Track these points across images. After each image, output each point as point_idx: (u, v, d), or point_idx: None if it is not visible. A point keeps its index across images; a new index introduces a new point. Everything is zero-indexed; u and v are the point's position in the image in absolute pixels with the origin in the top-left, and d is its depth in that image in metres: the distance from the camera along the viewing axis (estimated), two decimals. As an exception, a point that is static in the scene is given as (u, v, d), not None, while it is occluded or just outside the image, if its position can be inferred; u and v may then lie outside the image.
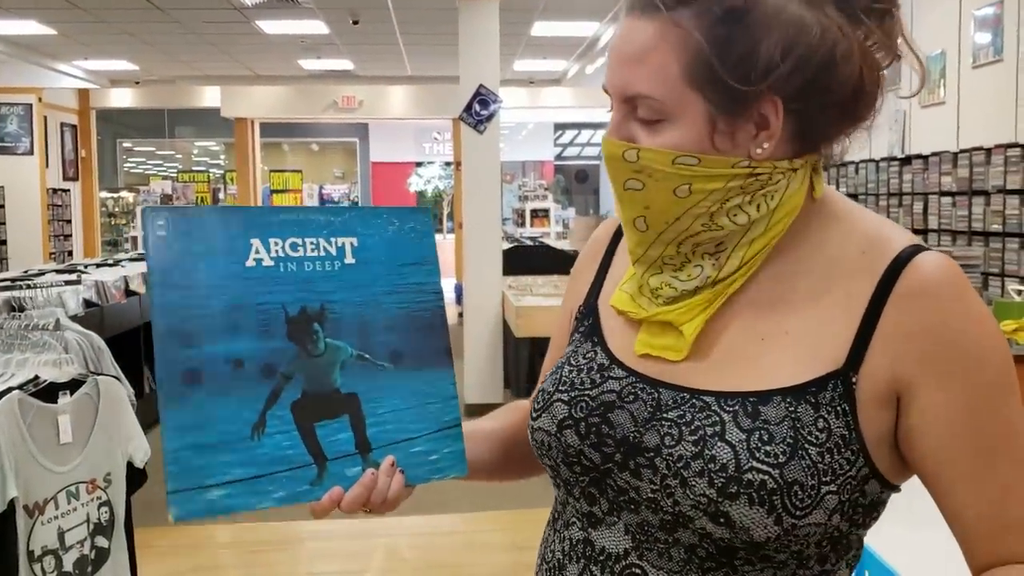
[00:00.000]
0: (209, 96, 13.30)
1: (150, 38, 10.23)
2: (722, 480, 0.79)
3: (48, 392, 2.28)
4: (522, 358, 6.17)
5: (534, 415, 0.92)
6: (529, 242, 9.21)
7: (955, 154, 6.35)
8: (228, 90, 12.73)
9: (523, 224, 12.75)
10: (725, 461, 0.79)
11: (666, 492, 0.82)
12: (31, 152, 12.12)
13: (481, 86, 5.92)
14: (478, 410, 6.51)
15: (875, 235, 0.86)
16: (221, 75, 12.79)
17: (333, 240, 0.91)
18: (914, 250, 0.83)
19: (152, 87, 13.40)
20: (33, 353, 2.38)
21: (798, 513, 0.78)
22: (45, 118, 12.34)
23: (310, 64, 12.00)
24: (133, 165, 20.08)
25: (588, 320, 0.97)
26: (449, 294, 12.29)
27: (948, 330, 0.81)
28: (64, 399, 2.29)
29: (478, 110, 5.87)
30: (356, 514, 0.87)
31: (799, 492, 0.78)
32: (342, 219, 0.92)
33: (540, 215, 12.95)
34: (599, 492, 0.87)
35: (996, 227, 5.85)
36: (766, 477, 0.78)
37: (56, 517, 2.29)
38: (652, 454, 0.83)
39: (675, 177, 0.82)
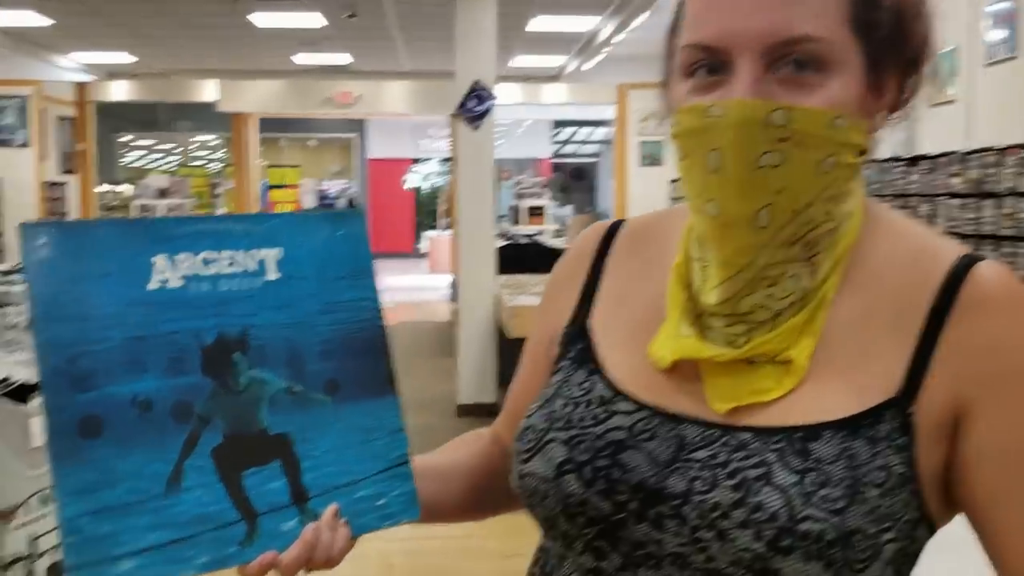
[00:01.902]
0: (208, 90, 13.22)
1: (147, 30, 10.16)
2: (772, 532, 0.68)
3: (19, 393, 2.22)
4: (517, 358, 6.08)
5: (523, 457, 0.79)
6: (524, 239, 9.14)
7: (965, 155, 6.25)
8: (226, 84, 12.63)
9: (518, 222, 12.67)
10: (775, 509, 0.68)
11: (697, 546, 0.70)
12: (28, 145, 12.04)
13: (476, 82, 5.85)
14: (472, 410, 6.40)
15: (923, 244, 0.77)
16: (218, 69, 12.71)
17: (253, 252, 0.77)
18: (969, 260, 0.74)
19: (150, 81, 13.31)
20: (5, 352, 2.32)
21: (857, 567, 0.68)
22: (43, 111, 12.26)
23: (306, 58, 11.92)
24: (132, 159, 20.00)
25: (577, 345, 0.84)
26: (445, 292, 12.23)
27: (1016, 347, 0.72)
28: (36, 400, 2.23)
29: (473, 106, 5.79)
30: None
31: (860, 543, 0.68)
32: (263, 228, 0.79)
33: (536, 213, 12.87)
34: (610, 546, 0.75)
35: (1008, 231, 5.76)
36: (824, 527, 0.67)
37: (25, 524, 2.23)
38: (678, 502, 0.71)
39: (827, 144, 0.70)
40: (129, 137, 19.45)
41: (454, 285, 7.62)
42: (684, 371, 0.77)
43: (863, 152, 0.75)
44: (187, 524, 0.71)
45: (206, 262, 0.75)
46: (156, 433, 0.72)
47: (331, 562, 0.76)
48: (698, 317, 0.77)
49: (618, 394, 0.79)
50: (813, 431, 0.71)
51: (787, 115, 0.69)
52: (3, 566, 2.19)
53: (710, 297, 0.75)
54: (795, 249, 0.73)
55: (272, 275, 0.78)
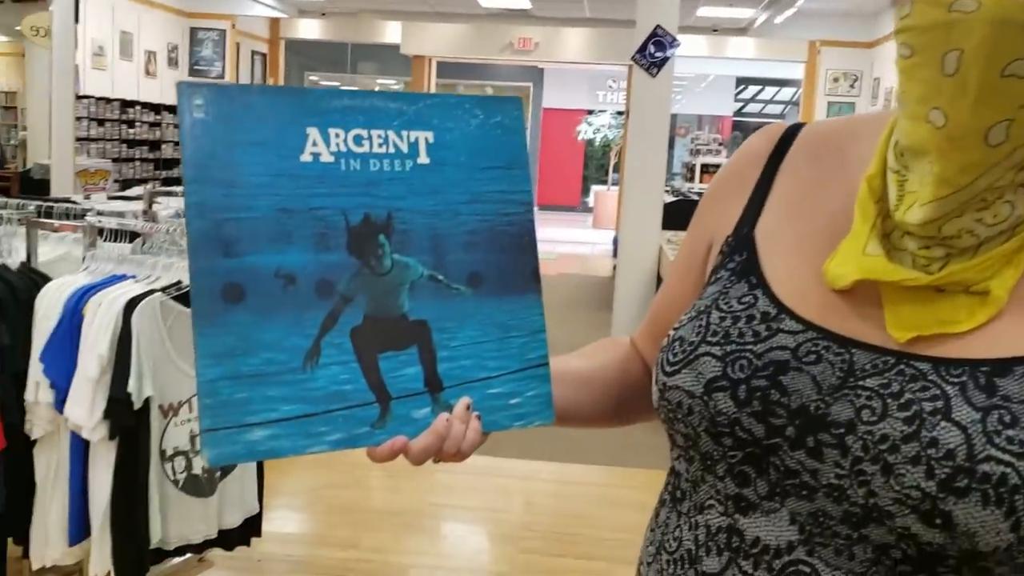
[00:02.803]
0: (391, 32, 13.51)
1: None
2: (947, 471, 0.62)
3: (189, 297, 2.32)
4: (675, 315, 5.97)
5: (668, 369, 0.75)
6: (695, 197, 8.90)
7: None
8: (408, 26, 12.88)
9: (692, 180, 12.36)
10: (952, 447, 0.62)
11: (858, 479, 0.65)
12: (222, 77, 12.69)
13: (658, 27, 5.67)
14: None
15: None
16: (404, 10, 12.93)
17: (405, 134, 0.75)
18: None
19: (337, 20, 13.71)
20: (180, 258, 2.43)
21: None
22: (237, 45, 12.89)
23: (488, 1, 11.95)
24: (317, 98, 20.73)
25: (740, 255, 0.78)
26: (607, 247, 12.12)
27: None
28: (205, 306, 2.32)
29: (652, 52, 5.63)
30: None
31: None
32: (416, 108, 0.76)
33: (711, 171, 12.48)
34: (756, 472, 0.71)
35: None
36: (1008, 470, 0.61)
37: (189, 420, 2.34)
38: (842, 430, 0.67)
39: None
40: (316, 77, 20.20)
41: (617, 241, 7.52)
42: (860, 292, 0.71)
43: None
44: (321, 400, 0.71)
45: (357, 139, 0.74)
46: (297, 307, 0.70)
47: (459, 455, 0.75)
48: (886, 236, 0.70)
49: (783, 311, 0.73)
50: (1002, 366, 0.65)
51: None
52: (166, 457, 2.31)
53: (911, 215, 0.67)
54: (1022, 175, 0.65)
55: (422, 159, 0.76)
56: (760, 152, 0.83)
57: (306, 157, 0.71)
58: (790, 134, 0.83)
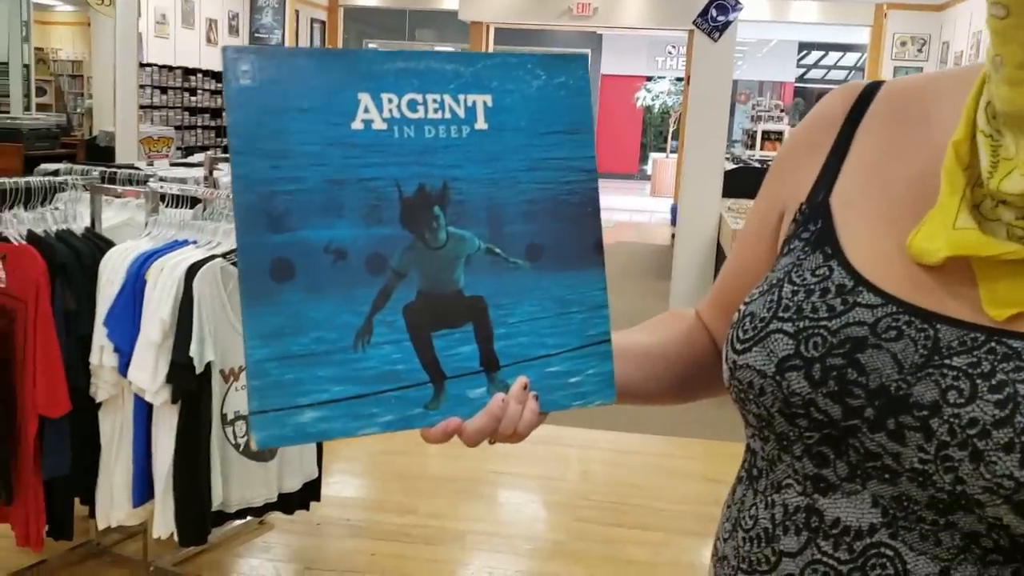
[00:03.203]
0: (448, -2, 13.43)
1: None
2: None
3: (251, 263, 2.33)
4: (735, 284, 5.88)
5: (738, 347, 0.71)
6: (756, 164, 8.73)
7: None
8: (467, -9, 12.78)
9: (752, 147, 12.13)
10: None
11: (944, 465, 0.61)
12: (282, 44, 12.76)
13: (721, -10, 5.54)
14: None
15: None
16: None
17: (462, 98, 0.70)
18: None
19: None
20: (240, 224, 2.43)
21: None
22: (297, 12, 12.93)
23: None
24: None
25: (815, 223, 0.73)
26: (665, 215, 11.97)
27: None
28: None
29: (715, 16, 5.50)
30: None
31: None
32: (474, 70, 0.71)
33: (773, 138, 12.24)
34: (835, 453, 0.67)
35: None
36: None
37: (249, 385, 2.36)
38: (926, 413, 0.62)
39: None
40: (374, 44, 20.22)
41: (675, 210, 7.41)
42: (947, 263, 0.66)
43: None
44: (373, 380, 0.67)
45: (411, 105, 0.70)
46: (348, 283, 0.67)
47: (516, 436, 0.71)
48: (975, 206, 0.65)
49: (860, 283, 0.68)
50: None
51: None
52: (227, 421, 2.34)
53: (1010, 184, 0.62)
54: None
55: (480, 124, 0.71)
56: (836, 113, 0.78)
57: (357, 125, 0.68)
58: (868, 93, 0.78)
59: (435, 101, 0.70)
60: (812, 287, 0.69)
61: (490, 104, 0.71)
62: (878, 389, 0.64)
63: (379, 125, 0.68)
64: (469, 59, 0.72)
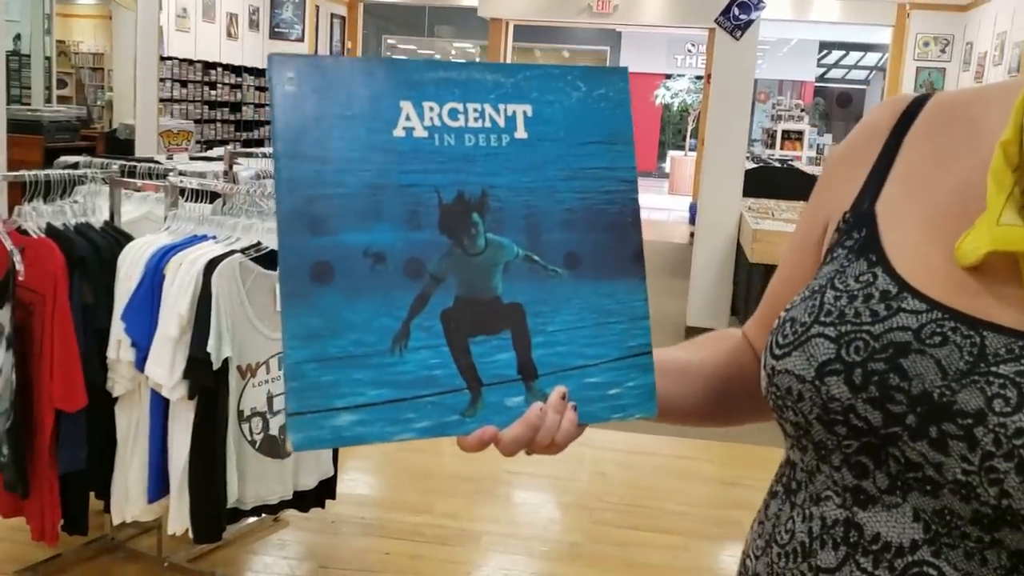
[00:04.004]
0: (468, -7, 13.41)
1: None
2: None
3: (270, 259, 2.32)
4: (754, 285, 5.83)
5: (777, 351, 0.69)
6: (776, 163, 8.67)
7: None
8: (486, -12, 12.75)
9: (772, 146, 12.05)
10: None
11: (989, 476, 0.59)
12: (302, 39, 12.78)
13: (744, -11, 5.49)
14: (700, 334, 6.42)
15: None
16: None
17: (502, 107, 0.72)
18: None
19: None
20: (260, 219, 2.42)
21: None
22: (317, 8, 12.95)
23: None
24: (394, 61, 20.82)
25: (859, 232, 0.72)
26: (683, 213, 11.92)
27: None
28: (282, 268, 2.31)
29: (737, 14, 5.45)
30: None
31: None
32: (515, 81, 0.72)
33: (792, 137, 12.16)
34: (875, 463, 0.65)
35: None
36: None
37: (267, 381, 2.34)
38: (970, 421, 0.60)
39: None
40: (393, 40, 20.22)
41: (693, 209, 7.37)
42: (994, 269, 0.64)
43: None
44: (410, 385, 0.68)
45: (452, 113, 0.70)
46: (386, 287, 0.68)
47: (553, 447, 0.70)
48: (1023, 207, 0.63)
49: (905, 289, 0.67)
50: None
51: None
52: (244, 418, 2.32)
53: None
54: None
55: (520, 133, 0.72)
56: (882, 125, 0.77)
57: (399, 132, 0.69)
58: (915, 106, 0.77)
59: (476, 110, 0.71)
60: (855, 293, 0.68)
61: (530, 114, 0.72)
62: (920, 395, 0.62)
63: (420, 133, 0.69)
64: (510, 70, 0.73)
